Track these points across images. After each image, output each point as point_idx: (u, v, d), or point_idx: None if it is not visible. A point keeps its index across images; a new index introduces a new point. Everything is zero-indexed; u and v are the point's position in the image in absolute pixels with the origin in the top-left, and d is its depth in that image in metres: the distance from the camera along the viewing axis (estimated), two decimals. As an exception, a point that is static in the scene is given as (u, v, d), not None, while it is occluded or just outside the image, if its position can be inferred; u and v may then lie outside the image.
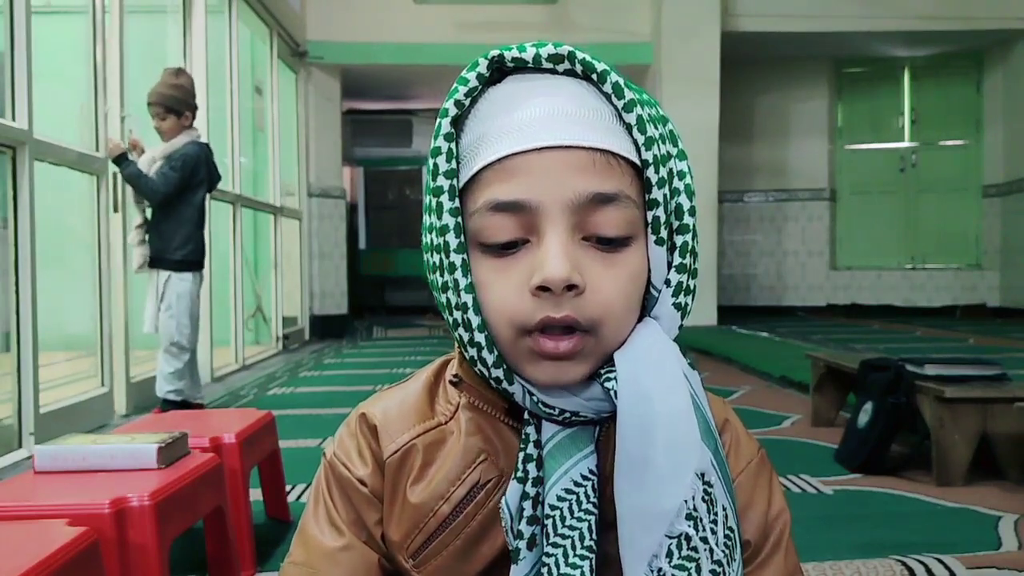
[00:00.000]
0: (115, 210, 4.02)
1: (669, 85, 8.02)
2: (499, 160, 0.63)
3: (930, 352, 5.48)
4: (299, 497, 2.49)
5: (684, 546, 0.61)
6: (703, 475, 0.62)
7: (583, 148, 0.62)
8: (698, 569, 0.61)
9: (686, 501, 0.61)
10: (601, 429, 0.67)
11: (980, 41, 9.08)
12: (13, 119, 3.12)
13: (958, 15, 8.45)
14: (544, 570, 0.64)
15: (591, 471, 0.65)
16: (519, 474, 0.66)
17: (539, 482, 0.65)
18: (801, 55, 9.58)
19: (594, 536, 0.64)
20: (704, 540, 0.61)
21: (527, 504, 0.65)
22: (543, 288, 0.61)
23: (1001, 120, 9.22)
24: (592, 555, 0.64)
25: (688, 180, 0.67)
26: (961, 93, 9.73)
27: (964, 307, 9.51)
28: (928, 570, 1.84)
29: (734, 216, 9.94)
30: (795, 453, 3.04)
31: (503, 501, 0.66)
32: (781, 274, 10.04)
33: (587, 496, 0.64)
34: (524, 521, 0.65)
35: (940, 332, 7.48)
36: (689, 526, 0.61)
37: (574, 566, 0.63)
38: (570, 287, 0.61)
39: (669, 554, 0.61)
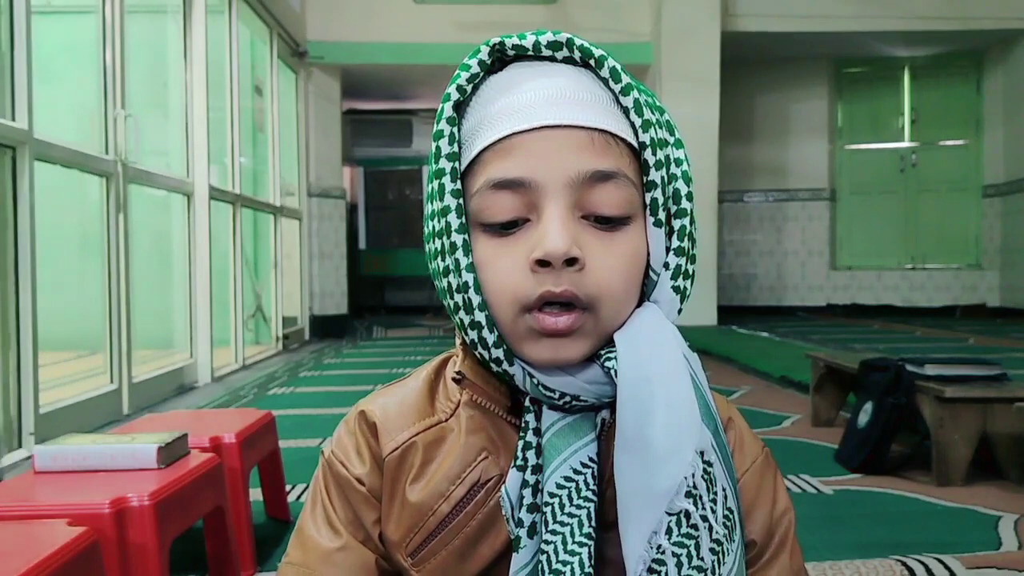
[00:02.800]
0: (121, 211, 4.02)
1: (669, 85, 8.02)
2: (499, 140, 0.64)
3: (930, 352, 5.48)
4: (299, 497, 2.49)
5: (684, 523, 0.61)
6: (703, 453, 0.62)
7: (582, 128, 0.63)
8: (697, 546, 0.61)
9: (686, 478, 0.61)
10: (604, 424, 0.67)
11: (980, 41, 9.08)
12: (13, 119, 3.12)
13: (958, 15, 8.44)
14: (543, 558, 0.64)
15: (591, 459, 0.65)
16: (519, 462, 0.66)
17: (539, 470, 0.66)
18: (801, 55, 9.57)
19: (593, 524, 0.64)
20: (704, 518, 0.62)
21: (527, 492, 0.65)
22: (543, 263, 0.61)
23: (1001, 120, 9.22)
24: (590, 543, 0.64)
25: (685, 167, 0.68)
26: (961, 93, 9.73)
27: (964, 307, 9.51)
28: (928, 570, 1.84)
29: (734, 216, 9.93)
30: (795, 453, 3.04)
31: (503, 489, 0.66)
32: (781, 274, 10.03)
33: (586, 484, 0.64)
34: (524, 509, 0.65)
35: (940, 332, 7.48)
36: (689, 503, 0.61)
37: (572, 553, 0.63)
38: (570, 261, 0.61)
39: (669, 531, 0.61)
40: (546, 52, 0.66)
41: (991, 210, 9.40)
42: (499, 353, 0.65)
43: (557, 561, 0.63)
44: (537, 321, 0.63)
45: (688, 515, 0.61)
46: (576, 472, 0.64)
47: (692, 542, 0.61)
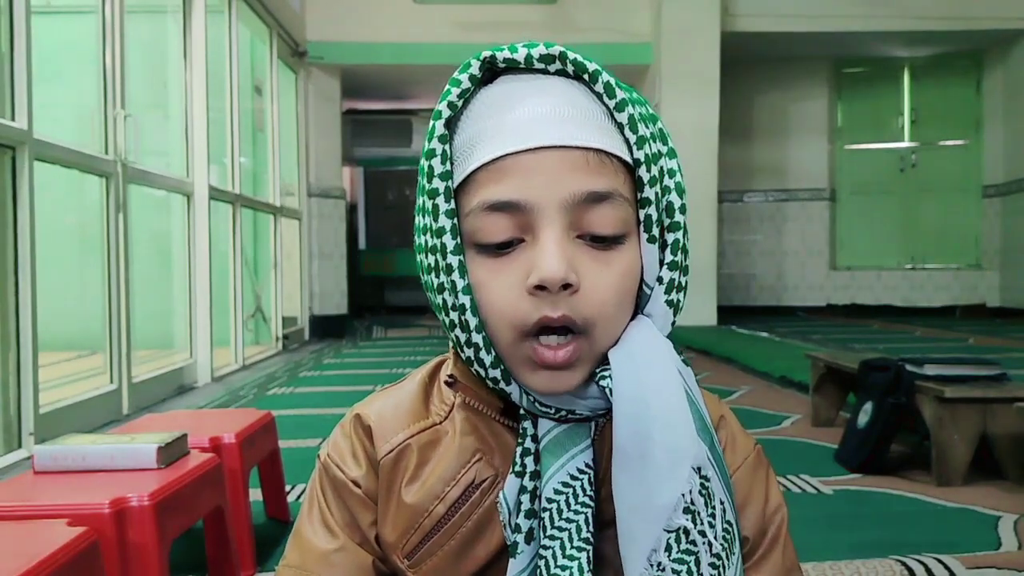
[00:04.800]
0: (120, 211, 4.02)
1: (669, 85, 8.02)
2: (493, 161, 0.63)
3: (930, 352, 5.48)
4: (299, 497, 2.49)
5: (683, 540, 0.61)
6: (700, 469, 0.62)
7: (576, 148, 0.63)
8: (697, 563, 0.62)
9: (683, 495, 0.61)
10: (598, 426, 0.67)
11: (980, 41, 9.08)
12: (13, 119, 3.12)
13: (958, 15, 8.44)
14: (541, 563, 0.64)
15: (587, 465, 0.66)
16: (517, 468, 0.66)
17: (536, 476, 0.66)
18: (801, 55, 9.57)
19: (591, 528, 0.64)
20: (702, 534, 0.62)
21: (525, 498, 0.66)
22: (540, 287, 0.61)
23: (1001, 120, 9.22)
24: (589, 547, 0.64)
25: (678, 178, 0.68)
26: (961, 93, 9.72)
27: (964, 307, 9.51)
28: (928, 570, 1.84)
29: (734, 216, 9.93)
30: (795, 453, 3.04)
31: (501, 495, 0.66)
32: (781, 274, 10.03)
33: (583, 489, 0.65)
34: (522, 515, 0.66)
35: (940, 332, 7.48)
36: (687, 520, 0.61)
37: (571, 558, 0.64)
38: (566, 286, 0.61)
39: (668, 548, 0.61)
40: (538, 65, 0.65)
41: (991, 210, 9.40)
42: (496, 374, 0.65)
43: (556, 565, 0.63)
44: (536, 354, 0.63)
45: (687, 532, 0.61)
46: (573, 477, 0.65)
47: (692, 558, 0.61)
